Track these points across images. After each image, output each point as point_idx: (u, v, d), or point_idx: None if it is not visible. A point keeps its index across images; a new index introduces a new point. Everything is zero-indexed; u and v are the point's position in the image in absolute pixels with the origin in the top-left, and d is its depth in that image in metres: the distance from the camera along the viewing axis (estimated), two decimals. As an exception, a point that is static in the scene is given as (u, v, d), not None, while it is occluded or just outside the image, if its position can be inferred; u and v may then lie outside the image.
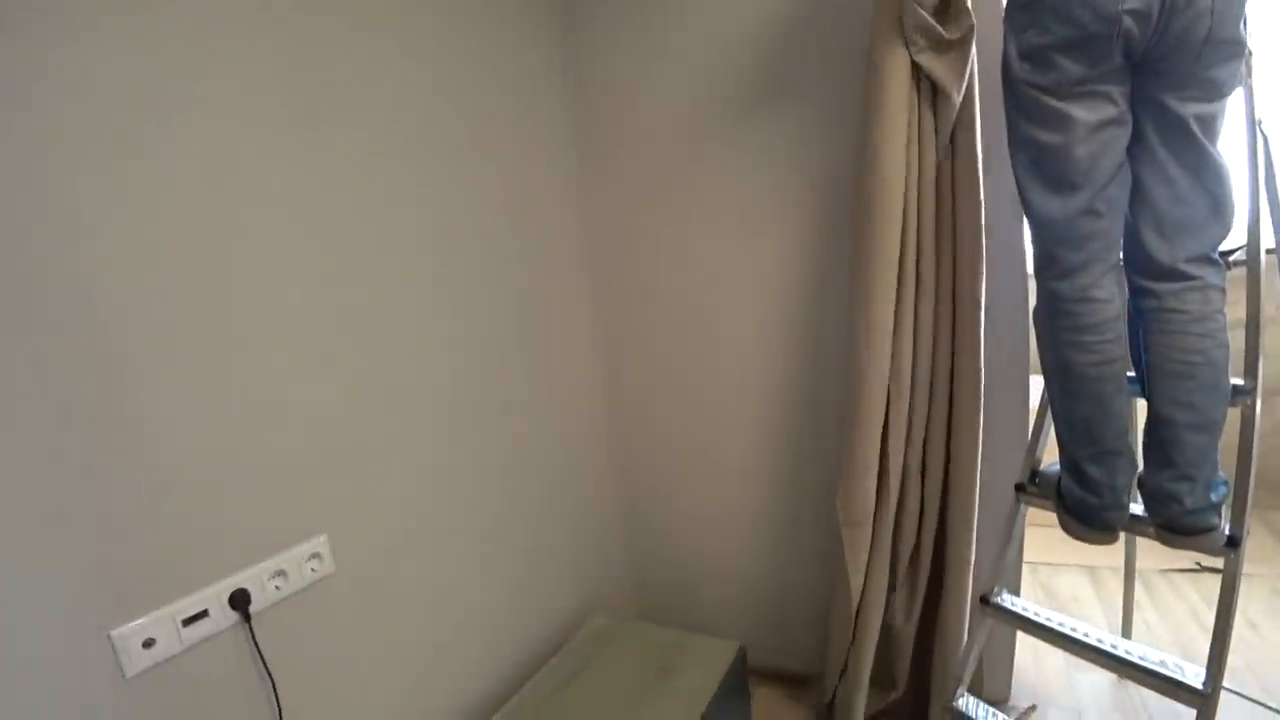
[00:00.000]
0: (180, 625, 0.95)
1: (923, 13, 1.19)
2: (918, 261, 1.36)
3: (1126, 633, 1.78)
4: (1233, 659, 1.83)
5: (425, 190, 1.35)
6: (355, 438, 1.21)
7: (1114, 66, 0.98)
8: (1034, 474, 1.34)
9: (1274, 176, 1.07)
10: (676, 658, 1.53)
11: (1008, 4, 1.05)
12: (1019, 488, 1.35)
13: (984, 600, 1.37)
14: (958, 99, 1.24)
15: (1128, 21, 0.93)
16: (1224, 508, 1.08)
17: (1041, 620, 1.31)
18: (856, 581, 1.49)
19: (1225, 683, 1.08)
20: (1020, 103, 1.06)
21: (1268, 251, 1.10)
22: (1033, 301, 1.19)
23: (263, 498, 1.06)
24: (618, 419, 1.96)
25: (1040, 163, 1.06)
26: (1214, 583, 1.13)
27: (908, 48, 1.22)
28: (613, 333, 1.90)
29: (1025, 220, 1.15)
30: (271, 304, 1.07)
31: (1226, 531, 1.07)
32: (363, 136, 1.21)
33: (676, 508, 1.97)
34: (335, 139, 1.16)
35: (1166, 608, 2.05)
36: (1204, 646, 1.10)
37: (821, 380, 1.68)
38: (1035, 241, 1.13)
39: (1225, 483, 1.08)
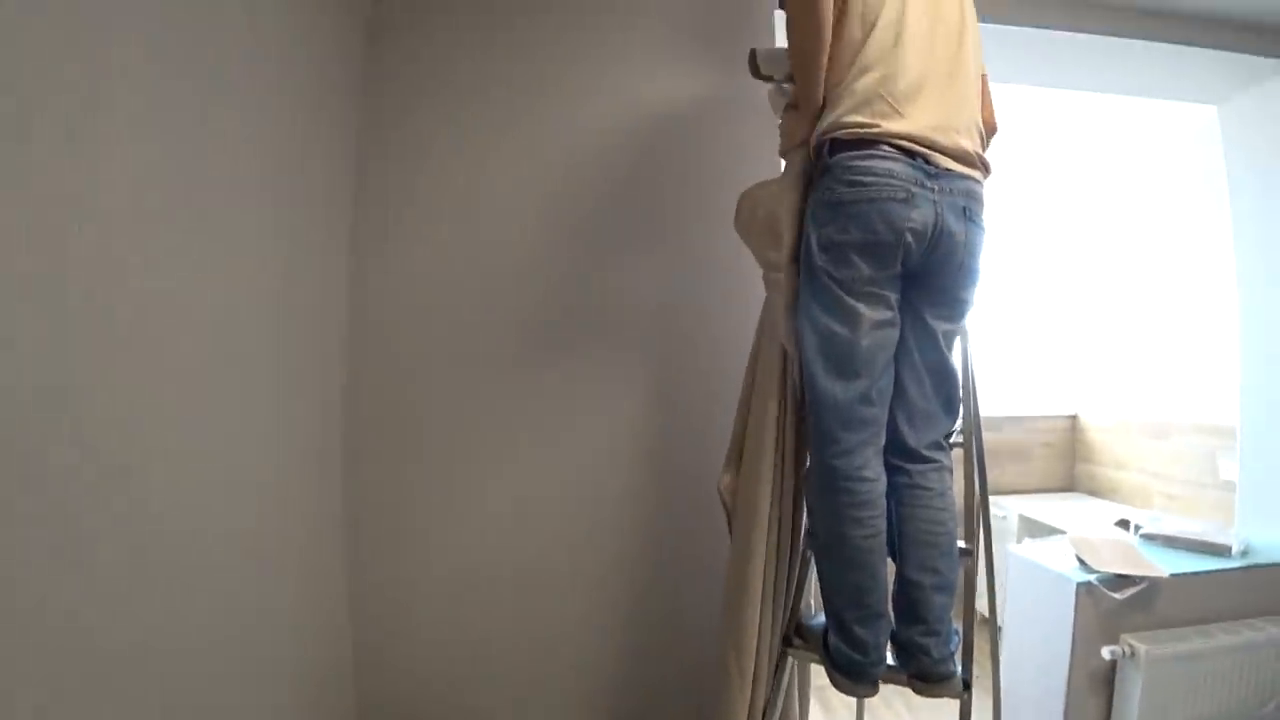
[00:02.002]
0: None
1: None
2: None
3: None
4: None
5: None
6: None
7: (893, 274, 1.16)
8: (798, 627, 1.41)
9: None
10: None
11: (813, 198, 1.19)
12: (786, 641, 1.40)
13: (761, 754, 1.37)
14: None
15: (909, 237, 1.12)
16: (956, 654, 1.25)
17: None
18: None
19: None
20: (817, 292, 1.18)
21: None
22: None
23: None
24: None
25: (829, 349, 1.18)
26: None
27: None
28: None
29: (808, 399, 1.24)
30: None
31: (961, 675, 1.24)
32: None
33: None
34: None
35: (875, 714, 2.35)
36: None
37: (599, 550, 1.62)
38: (817, 420, 1.22)
39: (957, 632, 1.27)
